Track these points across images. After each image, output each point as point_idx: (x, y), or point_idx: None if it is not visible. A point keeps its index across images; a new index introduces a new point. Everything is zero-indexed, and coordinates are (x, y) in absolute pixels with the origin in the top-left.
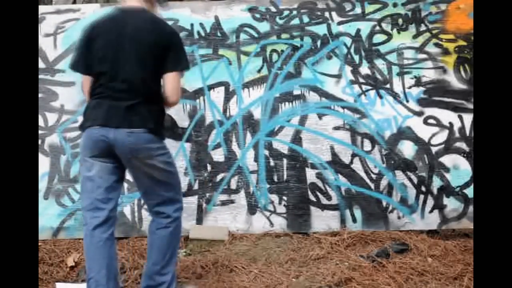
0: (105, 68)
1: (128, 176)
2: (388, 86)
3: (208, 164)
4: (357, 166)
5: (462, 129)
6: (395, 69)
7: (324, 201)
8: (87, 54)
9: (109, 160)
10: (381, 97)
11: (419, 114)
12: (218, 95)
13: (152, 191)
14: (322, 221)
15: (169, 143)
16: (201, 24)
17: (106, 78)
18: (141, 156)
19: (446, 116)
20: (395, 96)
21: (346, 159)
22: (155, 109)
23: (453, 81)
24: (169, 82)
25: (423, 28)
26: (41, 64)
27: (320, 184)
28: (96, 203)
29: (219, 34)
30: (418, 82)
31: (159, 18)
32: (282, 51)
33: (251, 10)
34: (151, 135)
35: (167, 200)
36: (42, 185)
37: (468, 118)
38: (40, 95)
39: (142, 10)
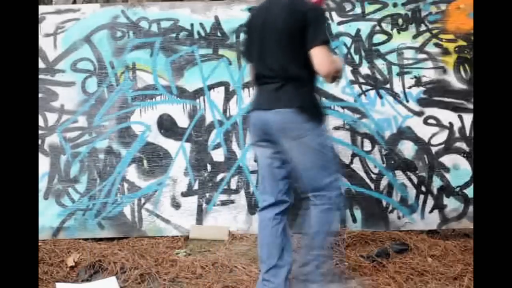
0: (255, 57)
1: (130, 176)
2: (388, 86)
3: (208, 164)
4: (357, 166)
5: (462, 129)
6: (395, 69)
7: None
8: (247, 44)
9: (267, 144)
10: (381, 97)
11: (419, 114)
12: (218, 95)
13: (304, 174)
14: None
15: (169, 143)
16: (201, 24)
17: (257, 66)
18: (290, 136)
19: (446, 116)
20: (395, 96)
21: (346, 159)
22: (301, 90)
23: (453, 81)
24: (313, 58)
25: (423, 28)
26: (41, 64)
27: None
28: (263, 187)
29: (219, 34)
30: (418, 82)
31: (297, 0)
32: None
33: (251, 10)
34: (298, 115)
35: (320, 187)
36: (42, 185)
37: (468, 118)
38: (40, 95)
39: None
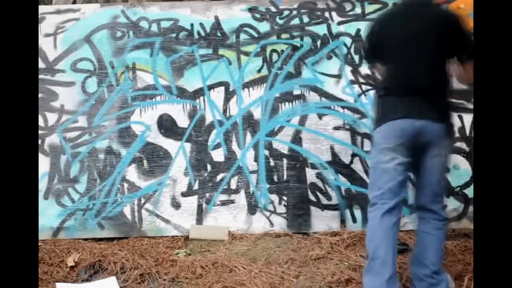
0: (401, 64)
1: (130, 176)
2: None
3: (208, 164)
4: (357, 166)
5: (462, 129)
6: None
7: (324, 201)
8: (384, 49)
9: (406, 151)
10: None
11: None
12: (218, 95)
13: (433, 187)
14: (322, 221)
15: (169, 143)
16: (201, 24)
17: (403, 73)
18: (438, 147)
19: None
20: None
21: (346, 159)
22: (448, 104)
23: (453, 81)
24: (468, 70)
25: None
26: (41, 64)
27: (320, 184)
28: (381, 192)
29: (219, 34)
30: None
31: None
32: (282, 51)
33: (251, 10)
34: (447, 130)
35: (440, 201)
36: (42, 185)
37: (468, 118)
38: (40, 95)
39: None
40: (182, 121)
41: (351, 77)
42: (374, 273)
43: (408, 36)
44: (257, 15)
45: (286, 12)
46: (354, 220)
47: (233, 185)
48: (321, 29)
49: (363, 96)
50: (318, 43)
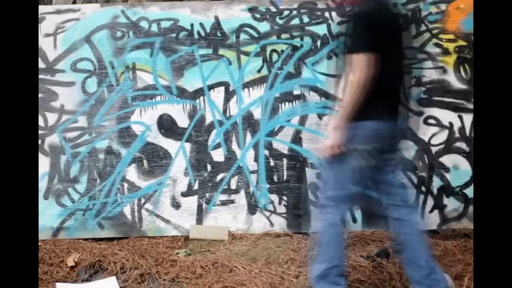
0: (388, 58)
1: (130, 176)
2: None
3: (208, 164)
4: None
5: (462, 129)
6: None
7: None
8: (380, 39)
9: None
10: None
11: (419, 114)
12: (218, 95)
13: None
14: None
15: (169, 143)
16: (201, 24)
17: (388, 69)
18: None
19: (446, 116)
20: None
21: None
22: None
23: (453, 81)
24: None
25: (423, 28)
26: (41, 64)
27: (320, 184)
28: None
29: (219, 34)
30: (418, 82)
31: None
32: (282, 51)
33: (251, 10)
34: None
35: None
36: (42, 185)
37: (468, 118)
38: (40, 95)
39: None
40: (182, 121)
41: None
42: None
43: (396, 37)
44: (257, 15)
45: (286, 12)
46: (354, 220)
47: (233, 185)
48: (321, 29)
49: None
50: (318, 43)
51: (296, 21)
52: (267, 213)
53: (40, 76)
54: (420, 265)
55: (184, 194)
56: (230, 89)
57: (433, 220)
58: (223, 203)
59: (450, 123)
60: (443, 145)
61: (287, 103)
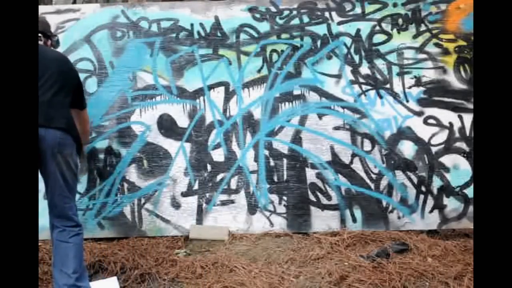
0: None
1: (130, 176)
2: (388, 86)
3: (208, 164)
4: (357, 166)
5: (462, 129)
6: (395, 69)
7: (324, 201)
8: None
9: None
10: (381, 97)
11: (419, 114)
12: (218, 95)
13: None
14: (322, 221)
15: (169, 143)
16: (201, 24)
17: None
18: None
19: (446, 116)
20: (395, 96)
21: (346, 159)
22: None
23: (453, 81)
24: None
25: (423, 28)
26: None
27: (320, 184)
28: None
29: (219, 34)
30: (418, 82)
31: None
32: (282, 51)
33: (251, 10)
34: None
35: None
36: (42, 185)
37: (468, 118)
38: None
39: None
40: (182, 121)
41: (351, 77)
42: None
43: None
44: (257, 15)
45: (286, 12)
46: (354, 220)
47: (233, 185)
48: (321, 29)
49: (363, 96)
50: (318, 43)
51: (296, 21)
52: (267, 213)
53: None
54: (67, 274)
55: (184, 194)
56: (230, 89)
57: (433, 220)
58: (223, 203)
59: (450, 123)
60: (443, 145)
61: (287, 103)
